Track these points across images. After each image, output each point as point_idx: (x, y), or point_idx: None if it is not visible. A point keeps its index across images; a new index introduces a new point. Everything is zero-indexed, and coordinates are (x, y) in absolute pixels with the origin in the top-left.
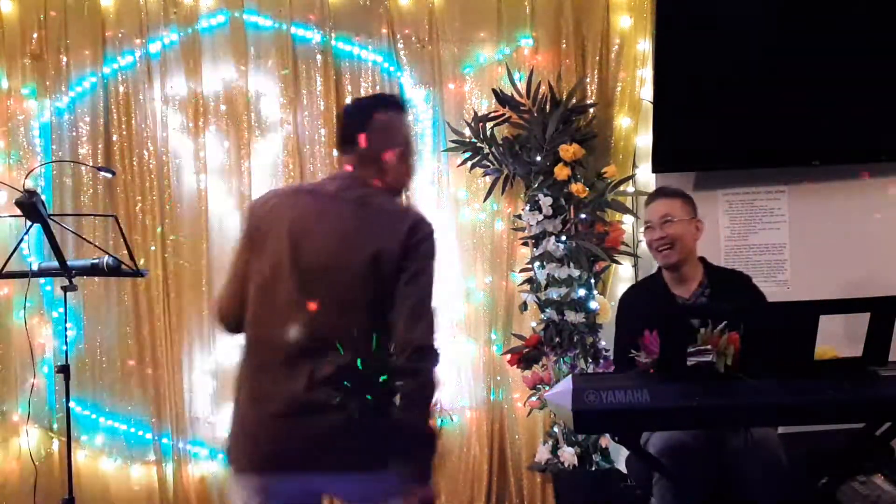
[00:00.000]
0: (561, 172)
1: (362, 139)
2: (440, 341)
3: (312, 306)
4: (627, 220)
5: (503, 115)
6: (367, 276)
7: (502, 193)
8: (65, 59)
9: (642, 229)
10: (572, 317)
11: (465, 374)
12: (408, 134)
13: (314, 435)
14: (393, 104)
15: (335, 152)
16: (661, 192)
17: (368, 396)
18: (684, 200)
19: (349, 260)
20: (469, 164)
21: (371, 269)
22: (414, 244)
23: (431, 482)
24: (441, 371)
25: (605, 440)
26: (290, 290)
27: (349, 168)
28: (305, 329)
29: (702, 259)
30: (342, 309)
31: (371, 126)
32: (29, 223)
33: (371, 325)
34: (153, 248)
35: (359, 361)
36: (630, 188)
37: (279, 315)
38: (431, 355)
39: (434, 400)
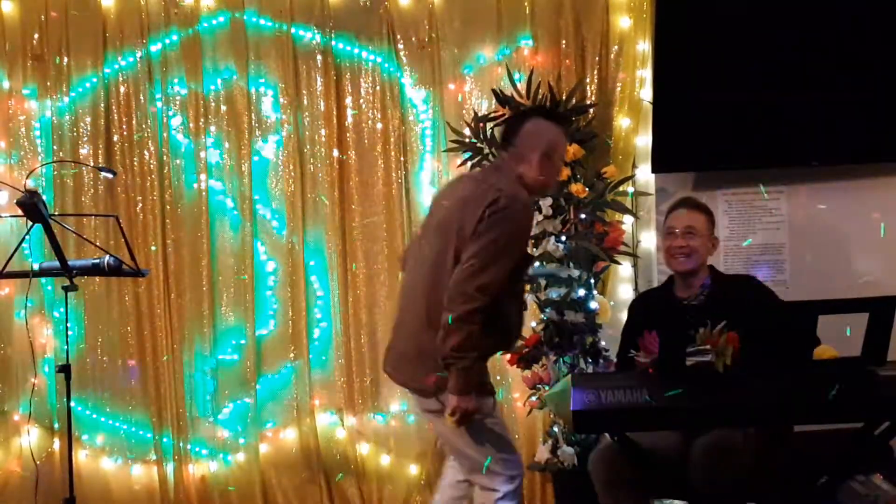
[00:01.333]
0: (561, 172)
1: (508, 139)
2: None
3: (419, 264)
4: (627, 220)
5: (503, 115)
6: (454, 239)
7: None
8: (66, 59)
9: (645, 231)
10: (572, 317)
11: None
12: (549, 143)
13: (392, 358)
14: (543, 114)
15: (335, 152)
16: (689, 203)
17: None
18: (708, 217)
19: (448, 227)
20: (469, 164)
21: (458, 233)
22: (490, 213)
23: (467, 396)
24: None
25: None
26: (417, 248)
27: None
28: (416, 280)
29: (710, 267)
30: (436, 265)
31: (520, 130)
32: (30, 223)
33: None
34: (154, 247)
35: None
36: (630, 188)
37: (410, 268)
38: (461, 298)
39: (462, 334)
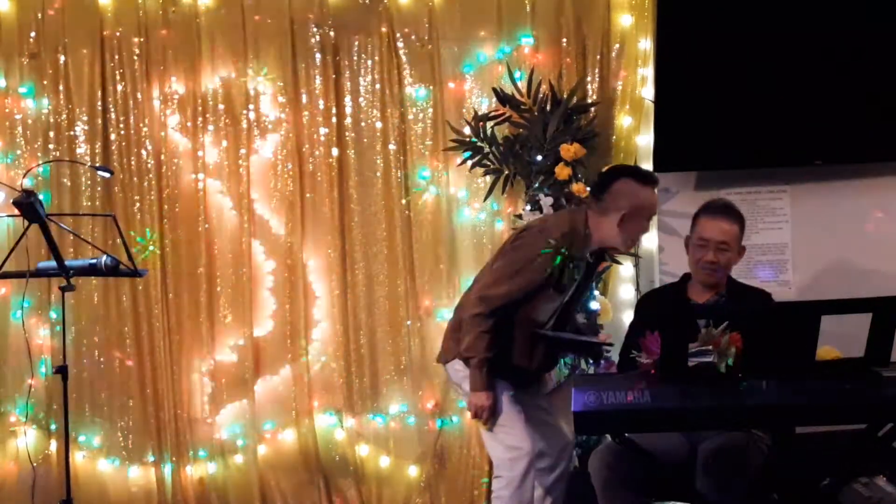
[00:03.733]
0: (562, 172)
1: (598, 192)
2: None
3: None
4: None
5: (503, 114)
6: (495, 258)
7: (502, 193)
8: (62, 57)
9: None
10: None
11: None
12: (636, 205)
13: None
14: (634, 174)
15: (334, 150)
16: (725, 212)
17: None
18: (742, 227)
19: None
20: (469, 163)
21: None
22: (515, 238)
23: (477, 393)
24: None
25: None
26: None
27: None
28: None
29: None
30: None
31: (610, 186)
32: (27, 223)
33: None
34: (151, 247)
35: None
36: None
37: None
38: (470, 304)
39: (468, 337)
